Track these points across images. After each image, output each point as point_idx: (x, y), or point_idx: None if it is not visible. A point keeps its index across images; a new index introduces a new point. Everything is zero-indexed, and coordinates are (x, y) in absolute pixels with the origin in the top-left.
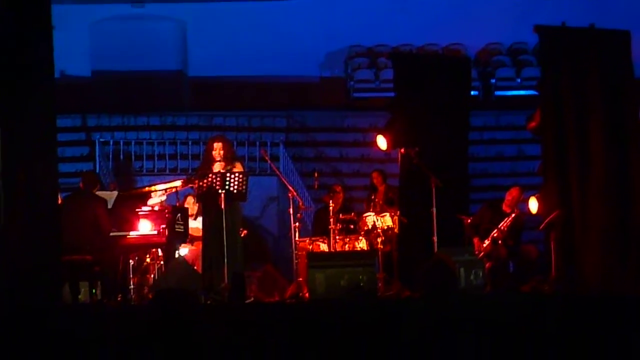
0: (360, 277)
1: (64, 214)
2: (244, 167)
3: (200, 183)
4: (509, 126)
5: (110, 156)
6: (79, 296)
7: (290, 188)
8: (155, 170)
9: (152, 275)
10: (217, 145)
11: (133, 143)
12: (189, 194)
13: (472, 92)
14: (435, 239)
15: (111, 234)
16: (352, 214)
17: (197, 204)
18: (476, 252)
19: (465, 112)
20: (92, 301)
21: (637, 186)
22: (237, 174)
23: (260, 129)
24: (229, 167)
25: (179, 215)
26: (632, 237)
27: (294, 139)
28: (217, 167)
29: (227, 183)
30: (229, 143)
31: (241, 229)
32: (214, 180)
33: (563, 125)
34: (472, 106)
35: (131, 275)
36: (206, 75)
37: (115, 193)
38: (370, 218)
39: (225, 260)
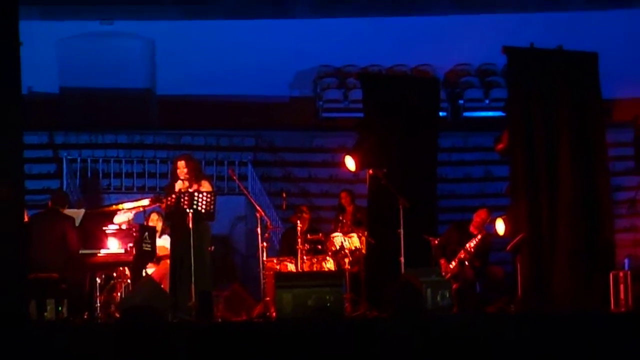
0: (328, 297)
1: (32, 231)
2: (212, 185)
3: (168, 202)
4: (477, 147)
5: (78, 174)
6: (45, 313)
7: (258, 208)
8: (123, 189)
9: (119, 294)
10: (181, 164)
11: (101, 161)
12: (154, 211)
13: (441, 113)
14: (402, 259)
15: (80, 252)
16: (320, 234)
17: (162, 222)
18: (443, 273)
19: (434, 133)
20: (58, 318)
21: (604, 206)
22: (205, 194)
23: (229, 148)
24: (194, 186)
25: (146, 233)
26: (598, 257)
27: (263, 158)
28: (179, 185)
29: (195, 202)
30: (194, 162)
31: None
32: (182, 199)
33: (531, 146)
34: (440, 127)
35: (98, 293)
36: (174, 94)
37: (82, 211)
38: (338, 238)
39: (193, 279)
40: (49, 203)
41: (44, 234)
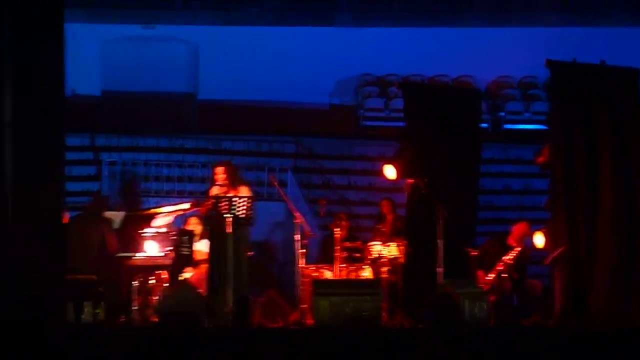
0: (365, 305)
1: (71, 233)
2: (251, 191)
3: (208, 206)
4: (517, 160)
5: (118, 177)
6: (82, 316)
7: (297, 214)
8: (163, 192)
9: (155, 297)
10: (219, 170)
11: (141, 164)
12: (193, 215)
13: (481, 125)
14: (440, 270)
15: (118, 254)
16: (358, 242)
17: (201, 226)
18: (481, 285)
19: (476, 144)
20: (95, 321)
21: None
22: (244, 199)
23: (269, 154)
24: (232, 192)
25: (185, 237)
26: (638, 272)
27: (302, 165)
28: (215, 190)
29: (234, 207)
30: (233, 168)
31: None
32: (221, 204)
33: (571, 160)
34: (481, 138)
35: (135, 297)
36: (216, 99)
37: (122, 214)
38: (376, 247)
39: (231, 284)
40: (89, 205)
41: (83, 236)
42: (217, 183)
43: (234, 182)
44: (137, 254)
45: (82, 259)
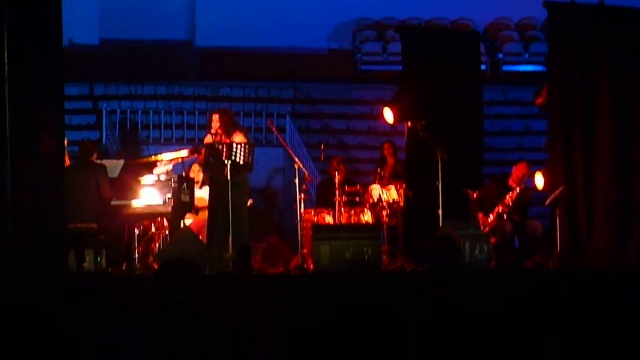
0: (365, 249)
1: (66, 182)
2: (247, 137)
3: (206, 154)
4: (516, 101)
5: (117, 125)
6: (84, 264)
7: (296, 159)
8: (162, 140)
9: (157, 245)
10: (215, 117)
11: (140, 112)
12: (195, 162)
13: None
14: (440, 212)
15: (115, 201)
16: (358, 186)
17: (202, 173)
18: (481, 227)
19: (476, 87)
20: (96, 269)
21: None
22: (243, 145)
23: (267, 100)
24: (225, 139)
25: (184, 184)
26: (636, 215)
27: (301, 110)
28: (209, 139)
29: (234, 153)
30: (228, 116)
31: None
32: (221, 150)
33: (570, 102)
34: (480, 80)
35: (136, 244)
36: (213, 46)
37: (122, 162)
38: (376, 191)
39: (231, 231)
40: (79, 154)
41: (77, 184)
42: (211, 131)
43: (228, 130)
44: (137, 202)
45: (80, 206)
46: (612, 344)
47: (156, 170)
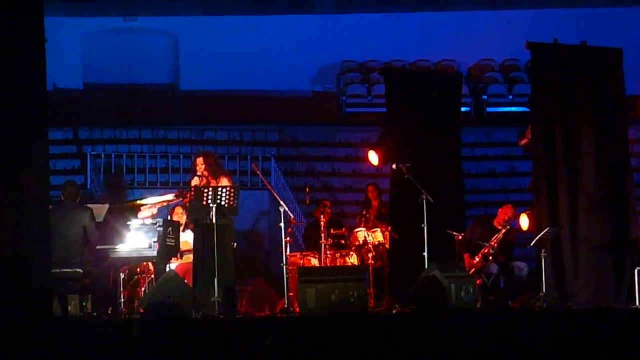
0: (351, 292)
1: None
2: (232, 181)
3: (191, 197)
4: (501, 143)
5: (102, 169)
6: (69, 308)
7: (282, 202)
8: (147, 184)
9: (142, 289)
10: (199, 161)
11: (124, 156)
12: (179, 205)
13: (464, 109)
14: (425, 254)
15: (101, 246)
16: (343, 229)
17: (186, 215)
18: (467, 268)
19: (457, 128)
20: (82, 314)
21: (628, 202)
22: (228, 188)
23: (252, 143)
24: (213, 183)
25: (170, 229)
26: (623, 253)
27: (286, 153)
28: (195, 181)
29: (219, 197)
30: (212, 158)
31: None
32: (205, 194)
33: (553, 142)
34: (463, 122)
35: (122, 289)
36: (198, 89)
37: (107, 206)
38: (362, 233)
39: (216, 274)
40: (62, 197)
41: (64, 227)
42: (197, 174)
43: (214, 172)
44: (123, 246)
45: (66, 250)
46: None
47: (141, 214)
